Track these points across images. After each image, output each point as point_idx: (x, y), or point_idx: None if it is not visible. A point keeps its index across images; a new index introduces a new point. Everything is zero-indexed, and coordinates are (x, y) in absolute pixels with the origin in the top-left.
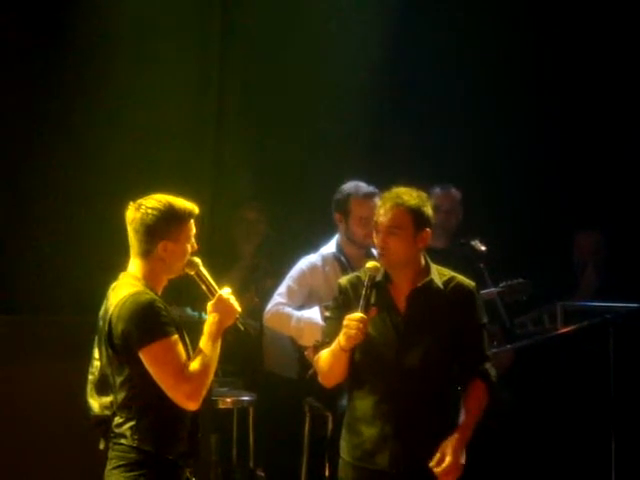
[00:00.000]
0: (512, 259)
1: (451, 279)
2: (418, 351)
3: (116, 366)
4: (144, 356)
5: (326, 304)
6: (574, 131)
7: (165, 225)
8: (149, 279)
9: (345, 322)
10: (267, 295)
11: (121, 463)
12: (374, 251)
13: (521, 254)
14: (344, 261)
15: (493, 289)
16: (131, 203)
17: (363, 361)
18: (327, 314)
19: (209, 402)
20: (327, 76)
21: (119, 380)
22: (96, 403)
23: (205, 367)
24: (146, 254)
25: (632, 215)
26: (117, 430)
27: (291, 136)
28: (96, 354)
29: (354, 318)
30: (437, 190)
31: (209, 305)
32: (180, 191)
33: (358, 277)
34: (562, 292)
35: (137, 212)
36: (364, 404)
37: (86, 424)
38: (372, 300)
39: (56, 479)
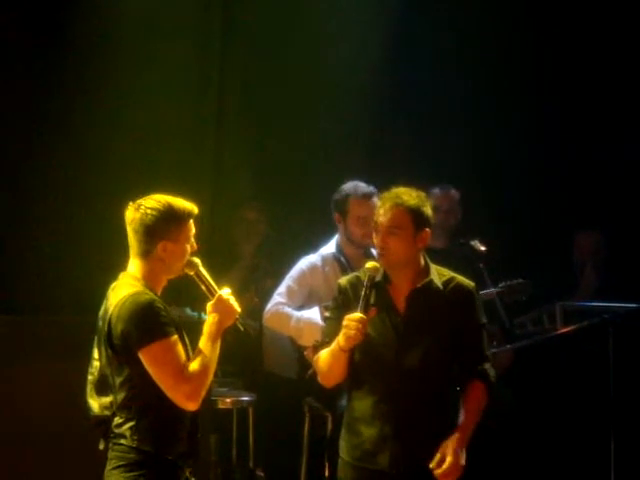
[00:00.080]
0: (512, 259)
1: (451, 279)
2: (417, 351)
3: (116, 366)
4: (143, 356)
5: (326, 304)
6: (574, 131)
7: (164, 225)
8: (149, 279)
9: (344, 322)
10: (267, 295)
11: (121, 463)
12: (374, 251)
13: (521, 254)
14: (344, 261)
15: (493, 289)
16: (130, 203)
17: (362, 361)
18: (327, 314)
19: (209, 402)
20: (327, 76)
21: (119, 380)
22: (96, 403)
23: (205, 367)
24: (145, 254)
25: (632, 215)
26: (117, 430)
27: (291, 136)
28: (96, 354)
29: (353, 318)
30: (436, 190)
31: (209, 305)
32: (180, 191)
33: (358, 277)
34: (562, 292)
35: (136, 212)
36: (363, 404)
37: (86, 424)
38: (371, 300)
39: (56, 479)
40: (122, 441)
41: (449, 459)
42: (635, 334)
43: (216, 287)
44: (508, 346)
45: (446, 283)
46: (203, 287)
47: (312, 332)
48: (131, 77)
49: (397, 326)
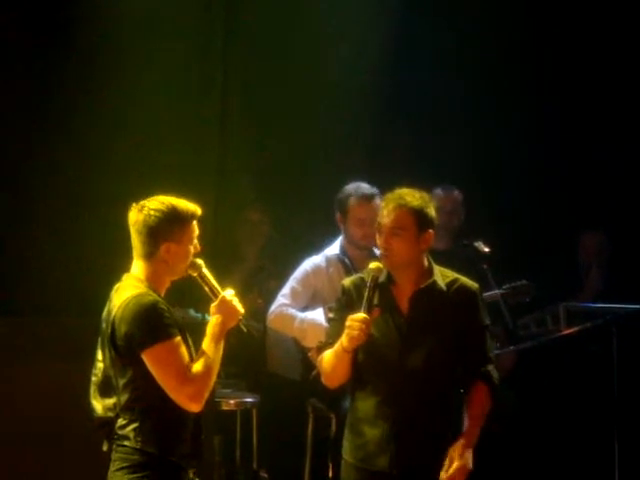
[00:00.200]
0: (515, 260)
1: (454, 280)
2: (421, 352)
3: (119, 368)
4: (147, 358)
5: (330, 305)
6: (574, 131)
7: (168, 227)
8: (152, 281)
9: (347, 323)
10: (271, 296)
11: (124, 465)
12: (377, 252)
13: (524, 255)
14: (348, 262)
15: (497, 291)
16: (134, 205)
17: (366, 362)
18: (330, 315)
19: (212, 404)
20: (328, 76)
21: (122, 382)
22: (99, 405)
23: (208, 369)
24: (149, 256)
25: (633, 215)
26: (120, 432)
27: (292, 136)
28: (99, 356)
29: (357, 319)
30: (439, 191)
31: (212, 307)
32: (183, 192)
33: (361, 278)
34: (566, 293)
35: (140, 214)
36: (366, 405)
37: (88, 425)
38: (375, 301)
39: None
40: (126, 442)
41: (456, 464)
42: (639, 335)
43: (219, 288)
44: (512, 347)
45: (450, 284)
46: (206, 288)
47: (316, 333)
48: (132, 78)
49: (400, 327)
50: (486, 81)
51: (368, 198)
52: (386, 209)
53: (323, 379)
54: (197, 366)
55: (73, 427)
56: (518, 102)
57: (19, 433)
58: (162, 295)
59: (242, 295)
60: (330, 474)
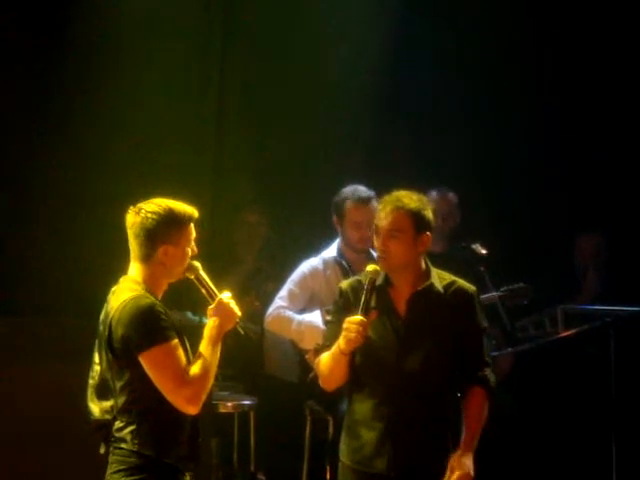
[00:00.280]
0: (512, 260)
1: (452, 283)
2: (418, 354)
3: (116, 370)
4: (144, 360)
5: (327, 308)
6: (574, 131)
7: (165, 229)
8: (149, 283)
9: (345, 325)
10: (268, 299)
11: (121, 467)
12: (375, 254)
13: (520, 255)
14: (345, 265)
15: (495, 293)
16: (131, 207)
17: (363, 364)
18: (328, 318)
19: (210, 406)
20: (327, 76)
21: (119, 384)
22: (96, 407)
23: (205, 371)
24: (146, 258)
25: (632, 216)
26: (117, 434)
27: (291, 137)
28: (96, 358)
29: (354, 321)
30: (434, 194)
31: (209, 309)
32: (180, 194)
33: (359, 281)
34: (563, 295)
35: (137, 216)
36: (364, 407)
37: (86, 428)
38: (372, 303)
39: None
40: (123, 445)
41: (457, 473)
42: (636, 337)
43: (216, 291)
44: (509, 349)
45: (447, 287)
46: (203, 291)
47: (313, 335)
48: (131, 77)
49: (398, 329)
50: (486, 81)
51: (364, 201)
52: (383, 211)
53: (320, 381)
54: (194, 369)
55: (73, 427)
56: (518, 102)
57: (19, 433)
58: (159, 297)
59: (239, 297)
60: (328, 477)
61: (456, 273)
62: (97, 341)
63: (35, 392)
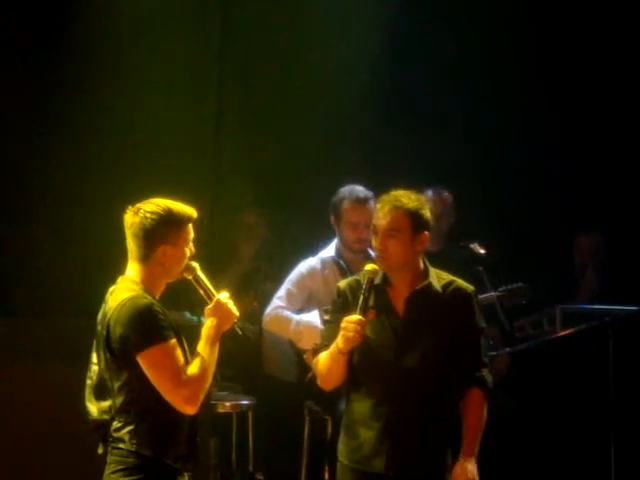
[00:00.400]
0: (511, 260)
1: (450, 283)
2: (416, 353)
3: (114, 370)
4: (142, 360)
5: (325, 307)
6: (574, 132)
7: (164, 229)
8: (147, 283)
9: (343, 324)
10: (267, 299)
11: (120, 467)
12: (373, 254)
13: (520, 255)
14: (343, 265)
15: (493, 293)
16: (129, 207)
17: (362, 363)
18: (326, 317)
19: (208, 406)
20: (327, 76)
21: (117, 384)
22: (95, 407)
23: (203, 371)
24: (145, 258)
25: (632, 216)
26: (115, 434)
27: (291, 138)
28: (94, 358)
29: (352, 320)
30: (429, 193)
31: (207, 309)
32: (179, 194)
33: (357, 281)
34: (562, 294)
35: (136, 216)
36: (362, 406)
37: (85, 428)
38: (370, 303)
39: None
40: (121, 445)
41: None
42: (635, 337)
43: (214, 291)
44: (507, 349)
45: (445, 286)
46: (201, 291)
47: (312, 335)
48: (130, 77)
49: (396, 328)
50: (486, 81)
51: (362, 201)
52: (382, 211)
53: (319, 381)
54: (192, 369)
55: (72, 427)
56: (518, 102)
57: (18, 433)
58: (157, 298)
59: (237, 297)
60: (326, 476)
61: (454, 273)
62: (95, 341)
63: (35, 392)
